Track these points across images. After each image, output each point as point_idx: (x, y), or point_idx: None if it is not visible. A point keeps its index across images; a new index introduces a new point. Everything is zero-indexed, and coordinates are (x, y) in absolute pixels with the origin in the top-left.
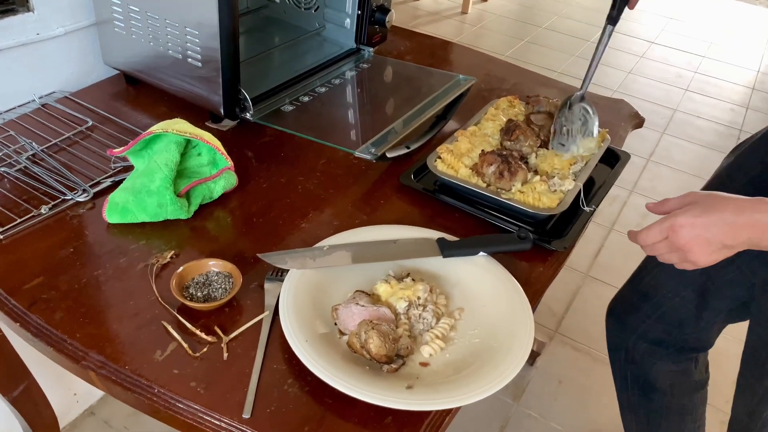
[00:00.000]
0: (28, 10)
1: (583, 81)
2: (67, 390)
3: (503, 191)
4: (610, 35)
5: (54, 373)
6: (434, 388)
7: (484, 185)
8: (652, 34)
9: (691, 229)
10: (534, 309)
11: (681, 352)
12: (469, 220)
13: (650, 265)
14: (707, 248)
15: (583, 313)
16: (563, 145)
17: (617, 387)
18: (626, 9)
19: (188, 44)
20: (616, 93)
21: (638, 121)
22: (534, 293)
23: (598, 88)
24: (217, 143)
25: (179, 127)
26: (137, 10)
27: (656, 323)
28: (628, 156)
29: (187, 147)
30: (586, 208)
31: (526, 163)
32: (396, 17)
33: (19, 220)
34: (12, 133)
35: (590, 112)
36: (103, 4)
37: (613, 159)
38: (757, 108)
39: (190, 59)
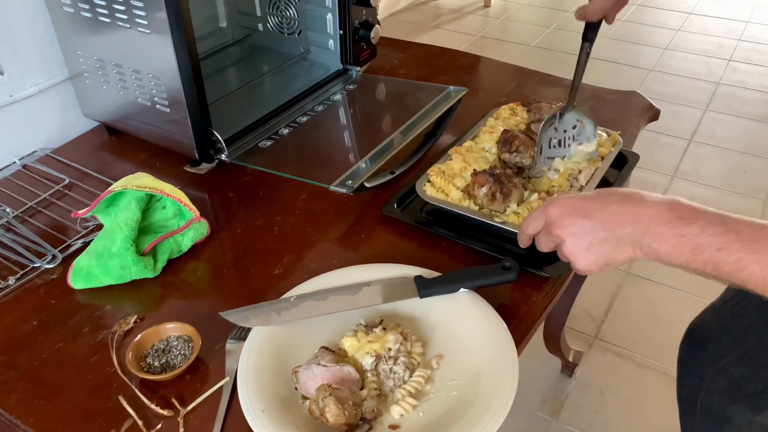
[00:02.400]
0: None
1: (569, 97)
2: None
3: (497, 214)
4: (588, 54)
5: None
6: None
7: (477, 208)
8: (688, 4)
9: (567, 212)
10: (523, 345)
11: (762, 398)
12: (457, 249)
13: (734, 292)
14: (582, 238)
15: (626, 315)
16: (552, 159)
17: (682, 409)
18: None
19: (154, 90)
20: (651, 72)
21: (653, 114)
22: (527, 327)
23: (629, 69)
24: (180, 195)
25: (139, 182)
26: (103, 60)
27: (737, 362)
28: (636, 157)
29: (151, 201)
30: None
31: (528, 178)
32: (416, 18)
33: None
34: None
35: (584, 117)
36: (72, 58)
37: (621, 161)
38: None
39: (158, 105)
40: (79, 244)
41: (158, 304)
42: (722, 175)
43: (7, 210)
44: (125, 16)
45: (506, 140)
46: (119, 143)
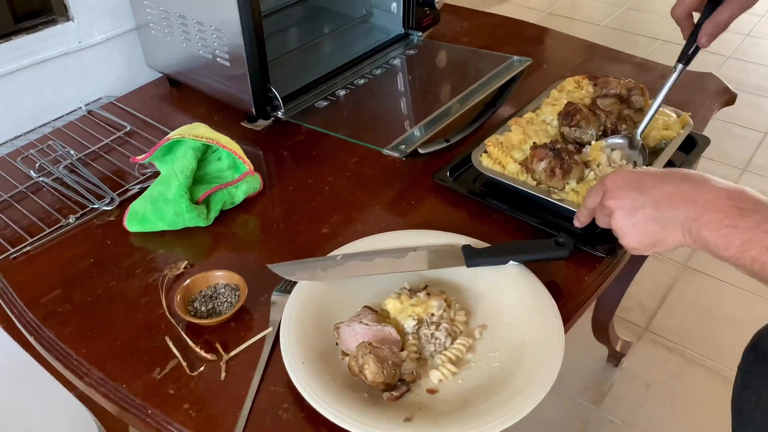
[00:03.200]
0: (68, 19)
1: (642, 126)
2: None
3: (555, 191)
4: (679, 74)
5: None
6: (436, 422)
7: (534, 183)
8: None
9: (623, 183)
10: (571, 324)
11: None
12: (510, 222)
13: None
14: (632, 214)
15: (679, 309)
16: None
17: (734, 419)
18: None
19: (215, 44)
20: (729, 59)
21: (728, 98)
22: (577, 305)
23: (706, 54)
24: (236, 148)
25: (197, 132)
26: (168, 12)
27: None
28: (707, 141)
29: (207, 152)
30: None
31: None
32: None
33: (47, 230)
34: (52, 142)
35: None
36: (140, 8)
37: (690, 145)
38: None
39: (219, 59)
40: (136, 189)
41: (208, 253)
42: None
43: (71, 152)
44: None
45: (568, 113)
46: (180, 95)
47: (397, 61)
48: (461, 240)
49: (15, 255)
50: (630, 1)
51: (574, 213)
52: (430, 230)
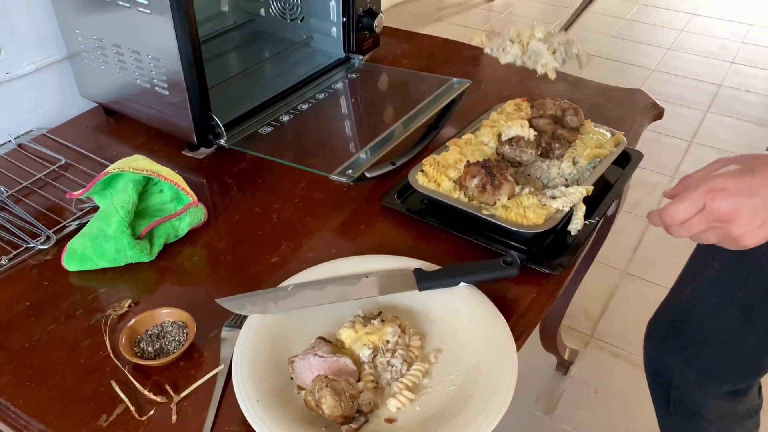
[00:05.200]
0: None
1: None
2: None
3: (486, 206)
4: None
5: None
6: None
7: (467, 200)
8: (692, 5)
9: (733, 193)
10: (522, 341)
11: (733, 382)
12: (458, 243)
13: (687, 278)
14: (755, 218)
15: (622, 314)
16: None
17: (657, 411)
18: None
19: (153, 72)
20: (653, 72)
21: (657, 112)
22: (527, 322)
23: (632, 68)
24: (177, 179)
25: (136, 164)
26: (102, 40)
27: (702, 347)
28: (640, 155)
29: (148, 184)
30: (579, 224)
31: (528, 175)
32: (420, 9)
33: None
34: None
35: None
36: (71, 37)
37: (624, 160)
38: None
39: (157, 88)
40: (74, 225)
41: (153, 289)
42: None
43: (1, 189)
44: None
45: (511, 140)
46: (116, 125)
47: (339, 85)
48: (412, 263)
49: None
50: (560, 18)
51: (506, 228)
52: (380, 255)
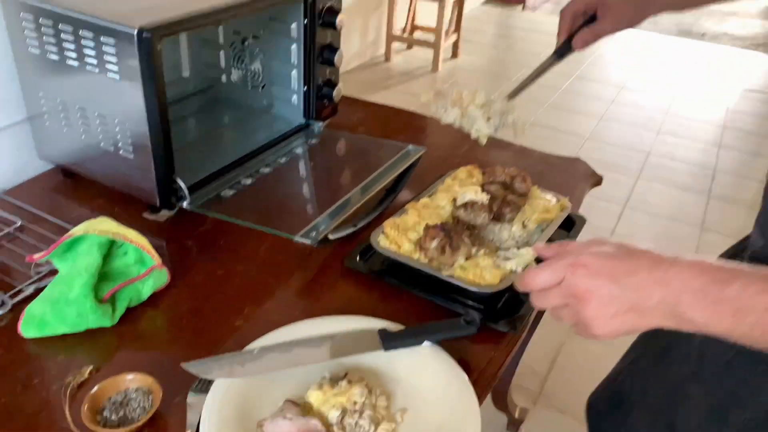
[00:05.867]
0: None
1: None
2: None
3: (445, 267)
4: (550, 64)
5: None
6: None
7: (427, 261)
8: (621, 78)
9: (594, 272)
10: (483, 399)
11: None
12: (418, 303)
13: (625, 367)
14: (608, 306)
15: (569, 371)
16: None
17: None
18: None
19: (119, 136)
20: (587, 140)
21: (595, 180)
22: (486, 380)
23: (568, 137)
24: (143, 242)
25: (102, 227)
26: (66, 103)
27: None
28: (584, 221)
29: (112, 247)
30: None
31: (482, 237)
32: (368, 78)
33: None
34: None
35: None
36: (33, 99)
37: (570, 224)
38: (729, 146)
39: (122, 151)
40: (31, 290)
41: (115, 355)
42: (654, 239)
43: None
44: (95, 61)
45: (466, 204)
46: (75, 187)
47: (300, 150)
48: (376, 323)
49: None
50: (500, 88)
51: (464, 288)
52: (345, 315)
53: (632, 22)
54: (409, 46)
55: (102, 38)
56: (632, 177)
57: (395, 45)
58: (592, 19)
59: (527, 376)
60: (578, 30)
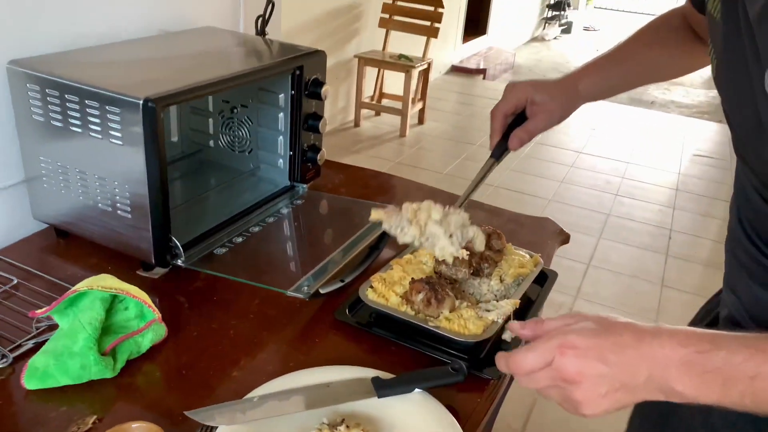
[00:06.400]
0: None
1: (462, 198)
2: None
3: (431, 318)
4: (491, 167)
5: None
6: None
7: (413, 313)
8: (578, 144)
9: (582, 353)
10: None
11: None
12: (406, 353)
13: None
14: (599, 385)
15: (543, 424)
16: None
17: None
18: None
19: (117, 196)
20: (551, 202)
21: (564, 238)
22: (473, 425)
23: (533, 199)
24: (144, 296)
25: (105, 283)
26: (66, 166)
27: None
28: (555, 275)
29: (113, 302)
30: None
31: (463, 291)
32: (339, 142)
33: None
34: None
35: (468, 223)
36: (33, 161)
37: (544, 279)
38: (683, 208)
39: (119, 211)
40: (30, 344)
41: (116, 405)
42: (617, 296)
43: None
44: (99, 128)
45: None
46: (68, 246)
47: (286, 210)
48: (368, 372)
49: None
50: (465, 153)
51: (449, 338)
52: (338, 366)
53: (562, 116)
54: (378, 113)
55: (108, 107)
56: (594, 237)
57: (364, 111)
58: (522, 116)
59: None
60: (511, 130)
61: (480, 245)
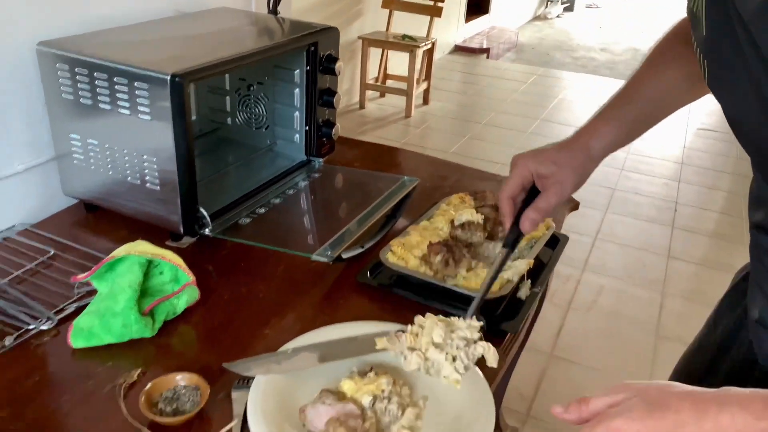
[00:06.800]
0: None
1: (474, 305)
2: None
3: (449, 278)
4: (506, 257)
5: None
6: None
7: (432, 273)
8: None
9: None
10: (493, 389)
11: None
12: (424, 311)
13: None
14: None
15: (552, 394)
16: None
17: None
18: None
19: (146, 170)
20: None
21: (573, 205)
22: (489, 378)
23: None
24: (179, 260)
25: (141, 248)
26: (96, 143)
27: None
28: (567, 238)
29: (149, 267)
30: (527, 291)
31: (478, 254)
32: (344, 125)
33: None
34: None
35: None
36: (63, 139)
37: (554, 242)
38: (688, 181)
39: (148, 184)
40: (72, 308)
41: (157, 361)
42: (624, 268)
43: None
44: (127, 105)
45: (463, 224)
46: (97, 220)
47: (304, 184)
48: (392, 327)
49: None
50: (470, 132)
51: (466, 295)
52: (364, 321)
53: (577, 183)
54: (382, 94)
55: (136, 83)
56: (601, 211)
57: (369, 93)
58: (534, 192)
59: (515, 399)
60: (522, 210)
61: (493, 361)
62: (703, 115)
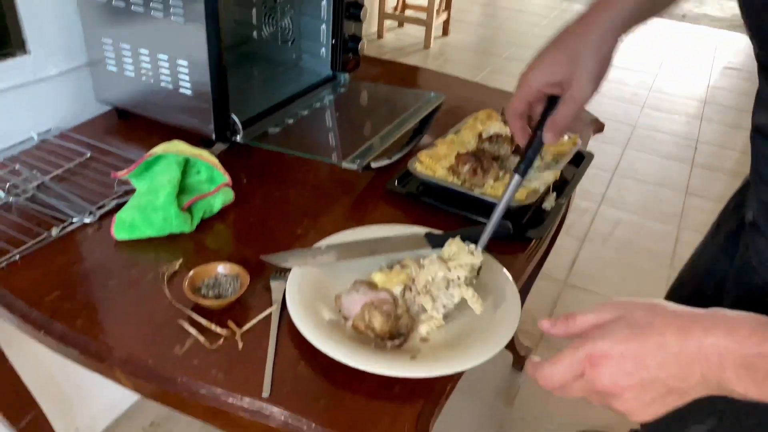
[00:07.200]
0: (25, 52)
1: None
2: (69, 424)
3: (476, 187)
4: (517, 187)
5: (57, 407)
6: (436, 357)
7: (460, 183)
8: None
9: (617, 363)
10: (519, 288)
11: None
12: (452, 219)
13: None
14: (643, 394)
15: None
16: None
17: None
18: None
19: (179, 75)
20: None
21: (598, 126)
22: (516, 277)
23: None
24: (215, 160)
25: (178, 147)
26: (128, 47)
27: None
28: (592, 156)
29: (186, 166)
30: (552, 203)
31: (504, 166)
32: (363, 56)
33: (31, 242)
34: (17, 166)
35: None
36: (95, 44)
37: (579, 159)
38: (710, 119)
39: (181, 90)
40: (112, 204)
41: (196, 255)
42: (642, 203)
43: (38, 174)
44: (160, 6)
45: (491, 137)
46: (129, 127)
47: (331, 98)
48: (421, 230)
49: (2, 264)
50: (490, 66)
51: (494, 204)
52: (393, 224)
53: (597, 77)
54: (401, 24)
55: None
56: (620, 147)
57: (387, 23)
58: (549, 105)
59: (528, 323)
60: (541, 125)
61: (479, 309)
62: (730, 54)
